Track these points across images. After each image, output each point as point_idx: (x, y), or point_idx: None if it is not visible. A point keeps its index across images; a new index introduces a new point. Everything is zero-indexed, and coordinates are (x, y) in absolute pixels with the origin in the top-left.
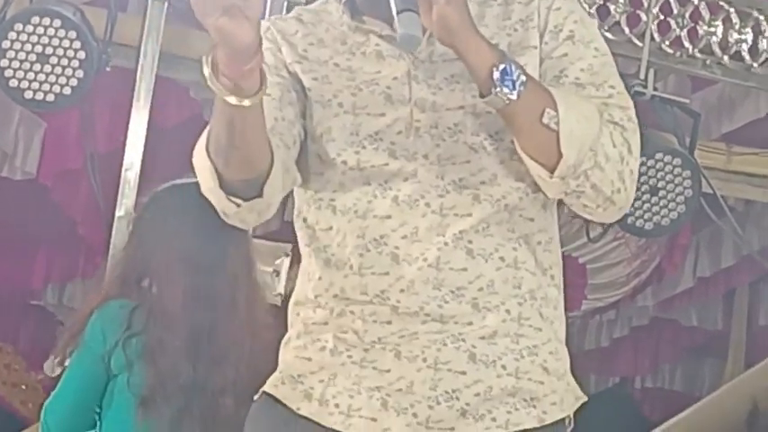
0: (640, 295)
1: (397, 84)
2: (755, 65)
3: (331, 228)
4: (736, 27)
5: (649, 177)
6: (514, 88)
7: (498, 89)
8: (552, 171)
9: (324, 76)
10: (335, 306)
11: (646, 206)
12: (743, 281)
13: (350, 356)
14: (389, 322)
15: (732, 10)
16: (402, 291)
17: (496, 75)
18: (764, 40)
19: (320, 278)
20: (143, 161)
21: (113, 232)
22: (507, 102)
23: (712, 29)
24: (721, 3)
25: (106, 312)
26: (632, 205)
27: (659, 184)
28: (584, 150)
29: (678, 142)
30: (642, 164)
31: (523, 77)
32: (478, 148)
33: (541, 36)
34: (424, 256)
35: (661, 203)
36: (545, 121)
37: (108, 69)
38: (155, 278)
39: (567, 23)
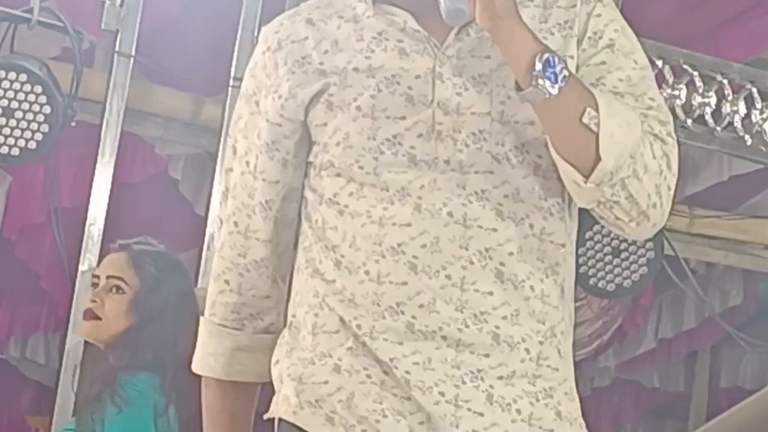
0: (602, 356)
1: (419, 83)
2: (719, 128)
3: (337, 228)
4: (700, 91)
5: (612, 239)
6: (556, 81)
7: (540, 81)
8: (587, 176)
9: (343, 81)
10: (343, 314)
11: (608, 267)
12: (704, 343)
13: (368, 375)
14: (401, 343)
15: (696, 74)
16: (421, 306)
17: (539, 65)
18: (728, 104)
19: (334, 280)
20: (107, 216)
21: (76, 287)
22: (547, 96)
23: (676, 92)
24: (685, 66)
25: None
26: (594, 267)
27: (621, 246)
28: (624, 157)
29: None
30: (604, 226)
31: (566, 72)
32: (502, 158)
33: (579, 43)
34: (446, 273)
35: (623, 265)
36: (585, 120)
37: (73, 124)
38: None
39: (607, 31)
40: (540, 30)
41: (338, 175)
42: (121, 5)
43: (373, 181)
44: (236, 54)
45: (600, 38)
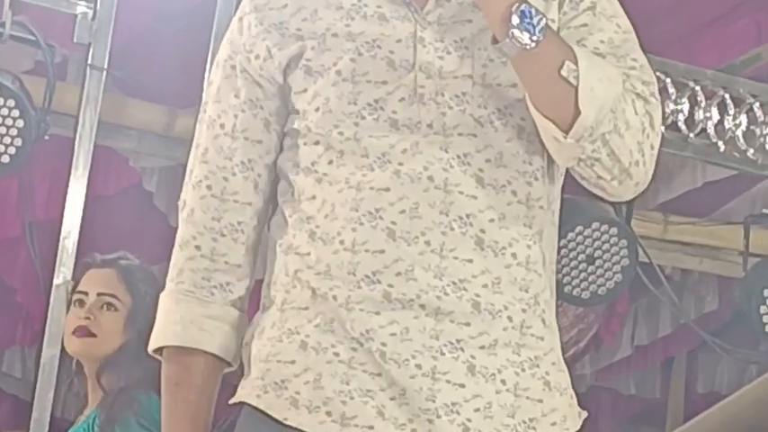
0: (578, 363)
1: (400, 47)
2: (692, 135)
3: (314, 197)
4: (673, 97)
5: (586, 246)
6: (533, 33)
7: (516, 33)
8: (567, 132)
9: (321, 45)
10: (318, 286)
11: (583, 275)
12: (680, 350)
13: (336, 354)
14: (378, 312)
15: (668, 80)
16: (398, 274)
17: (515, 17)
18: (701, 111)
19: (308, 253)
20: (81, 229)
21: (51, 300)
22: (524, 47)
23: None
24: (658, 74)
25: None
26: (569, 274)
27: (596, 254)
28: (605, 111)
29: (615, 212)
30: (579, 233)
31: (543, 23)
32: (485, 122)
33: (560, 6)
34: (425, 239)
35: (598, 272)
36: (564, 73)
37: (47, 138)
38: None
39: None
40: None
41: (316, 143)
42: (94, 19)
43: (353, 147)
44: (208, 66)
45: (581, 1)
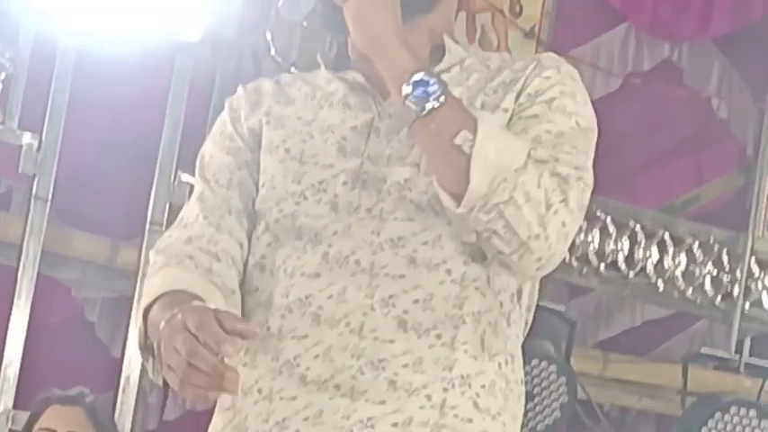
0: None
1: (354, 134)
2: (632, 274)
3: (257, 289)
4: (613, 237)
5: (525, 383)
6: (427, 101)
7: (411, 100)
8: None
9: (278, 124)
10: (246, 377)
11: None
12: None
13: None
14: (294, 398)
15: (608, 219)
16: (316, 357)
17: (406, 87)
18: (640, 250)
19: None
20: (23, 358)
21: None
22: (419, 114)
23: (589, 238)
24: (598, 213)
25: None
26: None
27: (535, 390)
28: (498, 181)
29: (554, 349)
30: None
31: (440, 91)
32: (425, 207)
33: (517, 97)
34: (347, 320)
35: (537, 409)
36: (457, 141)
37: None
38: None
39: (550, 91)
40: (486, 88)
41: (262, 222)
42: (39, 150)
43: (289, 226)
44: (152, 199)
45: (540, 95)
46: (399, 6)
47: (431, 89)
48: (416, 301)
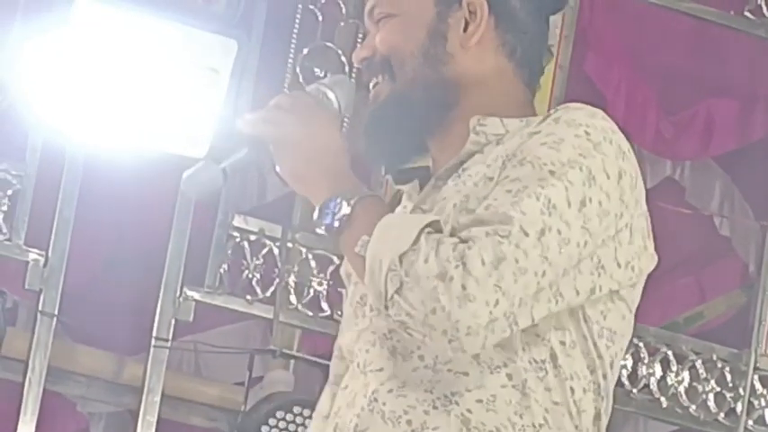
0: None
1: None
2: (635, 390)
3: None
4: None
5: None
6: (332, 222)
7: (320, 227)
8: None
9: None
10: None
11: None
12: None
13: None
14: None
15: None
16: None
17: (316, 211)
18: (643, 367)
19: None
20: None
21: None
22: (330, 233)
23: None
24: None
25: None
26: None
27: None
28: (384, 273)
29: None
30: None
31: (345, 209)
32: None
33: (504, 164)
34: (348, 426)
35: None
36: (357, 249)
37: None
38: None
39: (532, 145)
40: (491, 158)
41: None
42: (45, 266)
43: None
44: (158, 314)
45: (518, 154)
46: (330, 128)
47: (336, 209)
48: (390, 391)
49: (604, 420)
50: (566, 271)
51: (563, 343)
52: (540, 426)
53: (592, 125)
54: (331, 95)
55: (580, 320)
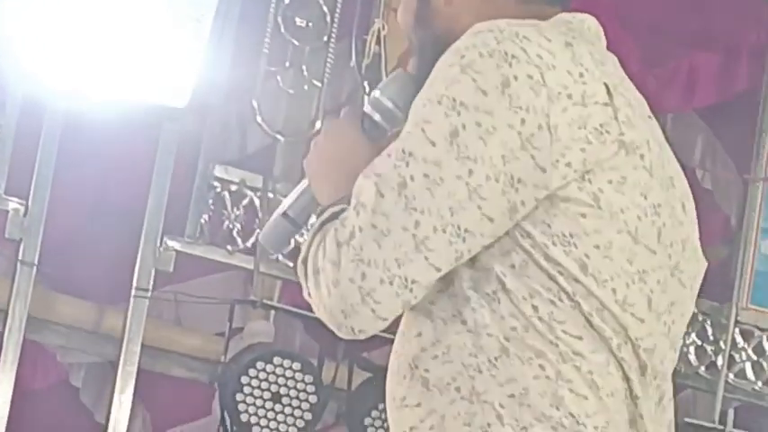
0: None
1: None
2: None
3: None
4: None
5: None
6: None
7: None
8: None
9: None
10: None
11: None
12: None
13: None
14: None
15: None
16: None
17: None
18: None
19: None
20: (8, 424)
21: None
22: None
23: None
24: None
25: None
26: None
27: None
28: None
29: None
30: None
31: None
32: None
33: None
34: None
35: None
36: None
37: None
38: None
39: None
40: None
41: None
42: (25, 215)
43: None
44: (138, 265)
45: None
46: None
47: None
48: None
49: (614, 315)
50: (457, 207)
51: (513, 266)
52: (497, 358)
53: (471, 45)
54: (388, 104)
55: (519, 238)
